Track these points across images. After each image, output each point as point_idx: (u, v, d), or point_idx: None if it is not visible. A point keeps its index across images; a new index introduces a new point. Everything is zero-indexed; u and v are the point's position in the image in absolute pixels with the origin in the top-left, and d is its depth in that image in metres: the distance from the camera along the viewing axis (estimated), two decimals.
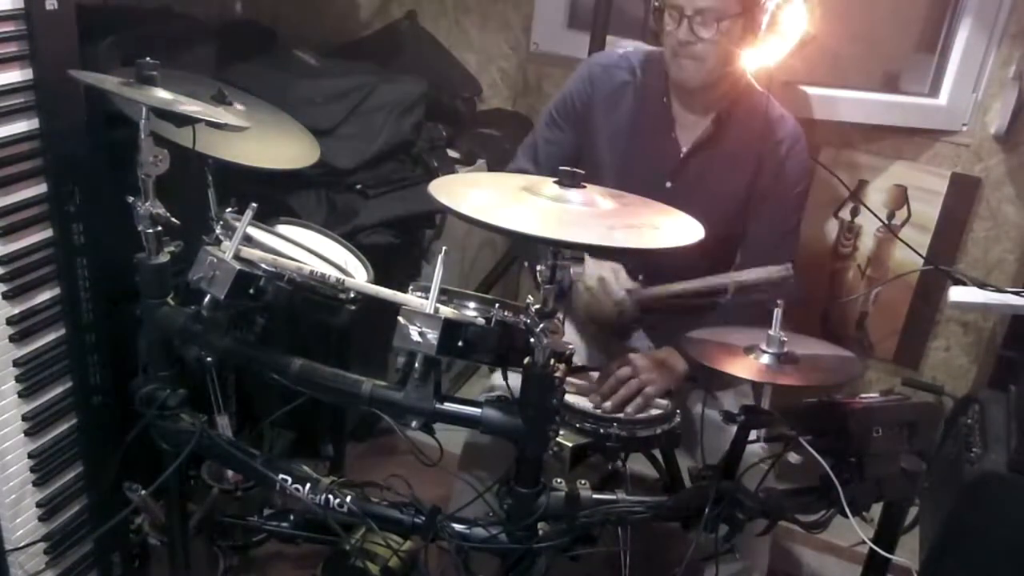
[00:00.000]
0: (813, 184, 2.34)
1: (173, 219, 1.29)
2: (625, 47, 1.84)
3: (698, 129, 1.70)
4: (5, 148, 1.30)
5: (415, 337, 1.12)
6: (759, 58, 1.63)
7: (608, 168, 1.72)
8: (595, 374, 1.58)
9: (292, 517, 1.57)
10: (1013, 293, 1.58)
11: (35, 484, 1.45)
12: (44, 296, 1.41)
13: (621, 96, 1.74)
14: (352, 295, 1.28)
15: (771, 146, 1.68)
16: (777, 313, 1.30)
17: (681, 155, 1.71)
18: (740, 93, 1.68)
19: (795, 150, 1.69)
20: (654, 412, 1.48)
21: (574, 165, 1.19)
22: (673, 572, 1.34)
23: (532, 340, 1.11)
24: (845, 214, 2.38)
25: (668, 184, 1.71)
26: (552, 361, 1.12)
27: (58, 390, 1.46)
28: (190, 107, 1.26)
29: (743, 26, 1.55)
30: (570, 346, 1.14)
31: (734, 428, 1.31)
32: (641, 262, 1.66)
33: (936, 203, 2.27)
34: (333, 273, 1.28)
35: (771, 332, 1.30)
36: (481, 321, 1.16)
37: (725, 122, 1.68)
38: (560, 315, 1.12)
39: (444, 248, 1.17)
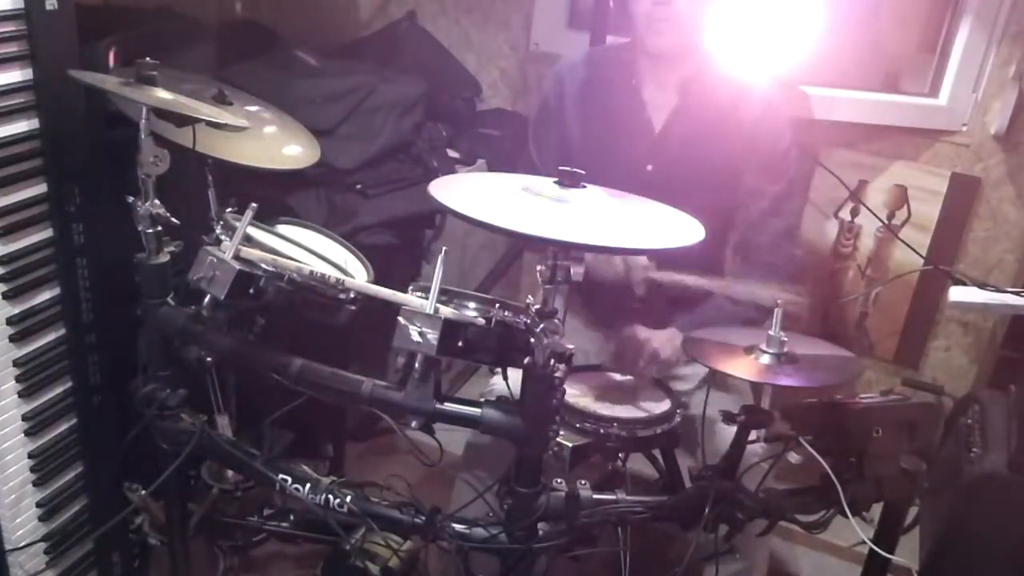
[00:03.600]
0: (813, 184, 2.35)
1: (173, 219, 1.29)
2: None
3: (669, 107, 1.72)
4: (5, 148, 1.30)
5: (415, 337, 1.12)
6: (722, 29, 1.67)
7: (587, 160, 1.72)
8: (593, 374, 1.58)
9: (292, 517, 1.57)
10: (1013, 293, 1.58)
11: (35, 484, 1.45)
12: (44, 296, 1.41)
13: (590, 90, 1.76)
14: (352, 295, 1.28)
15: (741, 111, 1.70)
16: (777, 313, 1.30)
17: (655, 134, 1.72)
18: (705, 64, 1.71)
19: (767, 109, 1.71)
20: (655, 412, 1.48)
21: (568, 165, 1.19)
22: (673, 572, 1.34)
23: (532, 340, 1.11)
24: (845, 214, 2.38)
25: (649, 167, 1.72)
26: (552, 361, 1.12)
27: (58, 390, 1.46)
28: (190, 107, 1.26)
29: None
30: (570, 346, 1.14)
31: (734, 428, 1.31)
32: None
33: (936, 203, 2.27)
34: (333, 273, 1.28)
35: (771, 332, 1.30)
36: (481, 321, 1.16)
37: (692, 93, 1.70)
38: (560, 315, 1.12)
39: (444, 248, 1.17)
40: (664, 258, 1.63)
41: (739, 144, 1.69)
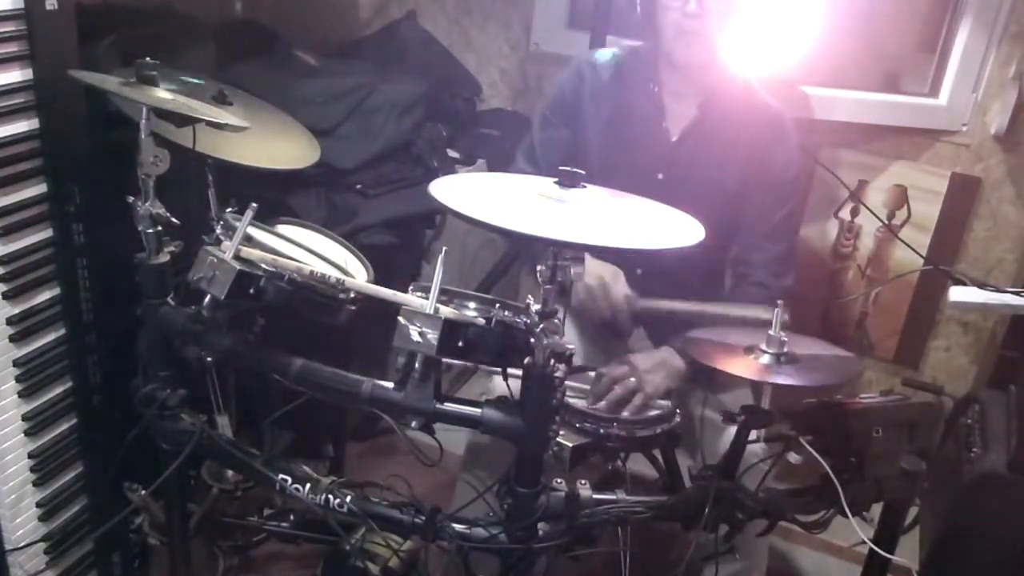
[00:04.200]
0: (813, 184, 2.35)
1: (173, 219, 1.29)
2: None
3: (687, 117, 1.71)
4: (5, 148, 1.30)
5: (415, 337, 1.12)
6: (745, 43, 1.67)
7: (599, 162, 1.72)
8: (593, 374, 1.58)
9: (292, 517, 1.57)
10: (1013, 293, 1.58)
11: (35, 484, 1.45)
12: (44, 296, 1.41)
13: (610, 90, 1.75)
14: (352, 295, 1.28)
15: (756, 132, 1.70)
16: (777, 313, 1.30)
17: (671, 143, 1.72)
18: (725, 78, 1.70)
19: (780, 136, 1.71)
20: (654, 412, 1.48)
21: (571, 162, 1.19)
22: (673, 572, 1.34)
23: (532, 340, 1.11)
24: (845, 214, 2.38)
25: (660, 175, 1.71)
26: (552, 361, 1.12)
27: (58, 390, 1.46)
28: (190, 107, 1.26)
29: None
30: (570, 346, 1.14)
31: (734, 428, 1.31)
32: (637, 254, 1.66)
33: (936, 203, 2.27)
34: (333, 273, 1.28)
35: (771, 332, 1.30)
36: (481, 321, 1.16)
37: (712, 107, 1.70)
38: (560, 315, 1.12)
39: (444, 248, 1.17)
40: (666, 268, 1.63)
41: (751, 166, 1.70)
